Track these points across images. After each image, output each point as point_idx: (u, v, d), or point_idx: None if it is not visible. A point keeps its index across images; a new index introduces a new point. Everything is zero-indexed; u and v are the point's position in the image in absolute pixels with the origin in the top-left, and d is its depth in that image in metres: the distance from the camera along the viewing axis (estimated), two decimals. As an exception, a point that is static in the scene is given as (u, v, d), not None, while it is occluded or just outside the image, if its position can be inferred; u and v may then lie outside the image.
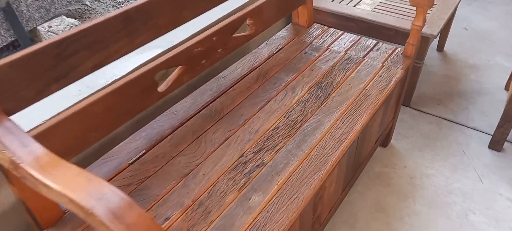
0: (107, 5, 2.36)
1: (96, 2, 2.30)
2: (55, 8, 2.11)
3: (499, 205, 1.42)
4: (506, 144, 1.65)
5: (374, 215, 1.39)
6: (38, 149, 0.66)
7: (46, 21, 2.07)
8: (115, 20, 0.86)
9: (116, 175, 0.94)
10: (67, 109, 0.82)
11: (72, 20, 2.15)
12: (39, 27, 2.05)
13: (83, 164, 0.99)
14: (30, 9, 1.99)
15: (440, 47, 2.23)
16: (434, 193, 1.47)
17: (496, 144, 1.61)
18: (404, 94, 1.51)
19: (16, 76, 0.72)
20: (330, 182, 1.06)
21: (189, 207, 0.87)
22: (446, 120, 1.80)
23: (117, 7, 2.34)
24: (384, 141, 1.64)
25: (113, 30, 0.86)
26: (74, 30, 0.80)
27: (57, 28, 2.07)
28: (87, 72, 0.82)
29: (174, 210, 0.86)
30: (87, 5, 2.35)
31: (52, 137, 0.79)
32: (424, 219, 1.37)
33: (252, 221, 0.84)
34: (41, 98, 0.76)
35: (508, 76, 1.98)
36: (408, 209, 1.42)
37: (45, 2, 2.05)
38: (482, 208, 1.41)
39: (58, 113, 0.90)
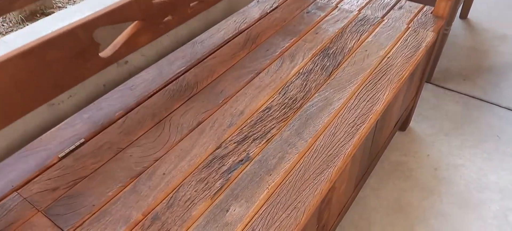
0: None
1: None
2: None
3: (546, 203, 1.16)
4: (550, 128, 1.37)
5: (391, 216, 1.12)
6: None
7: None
8: None
9: (38, 174, 0.66)
10: None
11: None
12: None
13: (2, 153, 0.71)
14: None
15: (463, 14, 1.91)
16: (465, 189, 1.20)
17: (538, 128, 1.33)
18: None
19: None
20: (340, 182, 0.79)
21: (138, 223, 0.60)
22: (475, 98, 1.51)
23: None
24: (403, 124, 1.35)
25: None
26: None
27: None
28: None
29: (115, 228, 0.59)
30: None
31: None
32: (454, 222, 1.11)
33: (230, 245, 0.57)
34: None
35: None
36: (433, 208, 1.14)
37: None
38: (526, 207, 1.14)
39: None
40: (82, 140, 0.71)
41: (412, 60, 0.90)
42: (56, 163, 0.68)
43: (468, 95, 1.52)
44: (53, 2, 1.77)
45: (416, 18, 1.05)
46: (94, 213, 0.61)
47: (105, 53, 0.73)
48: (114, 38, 0.75)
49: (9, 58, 0.60)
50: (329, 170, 0.66)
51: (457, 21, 1.92)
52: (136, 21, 0.76)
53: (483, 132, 1.37)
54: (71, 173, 0.66)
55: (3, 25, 1.75)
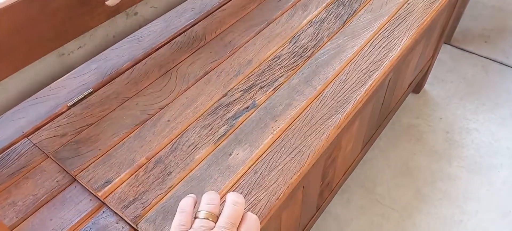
0: None
1: None
2: None
3: None
4: None
5: (398, 178, 1.05)
6: None
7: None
8: None
9: (48, 121, 0.64)
10: None
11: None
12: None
13: (13, 100, 0.69)
14: None
15: (488, -25, 1.74)
16: (476, 153, 1.10)
17: None
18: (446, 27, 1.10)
19: None
20: (349, 137, 0.72)
21: (142, 166, 0.56)
22: (496, 62, 1.38)
23: None
24: (417, 86, 1.26)
25: None
26: None
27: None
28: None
29: (120, 170, 0.56)
30: None
31: None
32: (461, 185, 1.02)
33: (232, 186, 0.53)
34: None
35: None
36: (441, 172, 1.06)
37: None
38: (549, 168, 1.04)
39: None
40: (90, 90, 0.68)
41: (436, 6, 0.80)
42: (65, 111, 0.65)
43: (488, 59, 1.39)
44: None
45: (437, -32, 0.94)
46: (99, 157, 0.58)
47: (111, 2, 0.68)
48: (120, -13, 0.70)
49: (11, 4, 0.56)
50: (337, 115, 0.59)
51: (481, -19, 1.75)
52: (141, -31, 0.70)
53: (501, 97, 1.26)
54: (79, 120, 0.63)
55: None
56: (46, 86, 0.68)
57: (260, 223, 0.48)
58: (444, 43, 1.46)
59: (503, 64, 1.40)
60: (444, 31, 1.11)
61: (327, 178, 0.76)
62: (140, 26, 0.83)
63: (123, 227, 0.50)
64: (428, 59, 1.16)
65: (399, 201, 1.01)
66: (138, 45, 0.76)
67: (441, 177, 1.07)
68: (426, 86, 1.34)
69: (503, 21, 1.59)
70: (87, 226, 0.51)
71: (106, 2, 0.68)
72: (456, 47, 1.47)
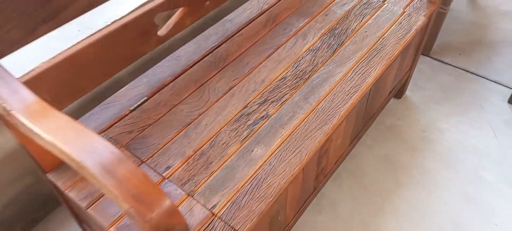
0: None
1: None
2: None
3: (513, 163, 1.38)
4: (529, 100, 1.56)
5: (382, 169, 1.37)
6: (28, 96, 0.64)
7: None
8: (108, -45, 0.78)
9: (117, 121, 0.93)
10: (59, 54, 0.78)
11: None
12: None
13: (86, 107, 0.97)
14: None
15: (469, -9, 2.04)
16: (447, 149, 1.43)
17: (518, 100, 1.53)
18: (425, 43, 1.40)
19: (2, 17, 0.68)
20: (336, 135, 1.03)
21: (191, 157, 0.86)
22: (468, 71, 1.70)
23: None
24: (399, 92, 1.57)
25: (107, -34, 0.79)
26: (63, -34, 0.73)
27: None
28: (78, 13, 0.77)
29: (175, 160, 0.85)
30: None
31: (43, 83, 0.77)
32: (433, 175, 1.35)
33: (253, 173, 0.83)
34: (30, 41, 0.72)
35: (541, 26, 1.82)
36: (417, 164, 1.39)
37: None
38: (495, 165, 1.37)
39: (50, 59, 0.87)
40: (145, 98, 0.97)
41: (403, 42, 1.10)
42: (128, 114, 0.94)
43: (462, 69, 1.71)
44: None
45: (412, 3, 1.23)
46: (159, 149, 0.87)
47: (161, 32, 0.96)
48: (165, 20, 0.98)
49: (100, 38, 0.84)
50: (326, 126, 0.89)
51: (462, -3, 2.05)
52: (182, 7, 0.98)
53: (470, 102, 1.58)
54: (140, 121, 0.92)
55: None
56: (109, 96, 0.97)
57: (272, 198, 0.78)
58: (425, 55, 1.77)
59: (473, 74, 1.72)
60: (418, 49, 1.41)
61: (321, 165, 1.06)
62: (171, 45, 1.10)
63: (180, 193, 0.80)
64: (406, 72, 1.47)
65: (382, 187, 1.32)
66: (177, 63, 1.05)
67: (417, 167, 1.39)
68: (407, 93, 1.65)
69: (477, 35, 1.90)
70: (156, 196, 0.81)
71: (158, 33, 0.96)
72: (435, 59, 1.78)
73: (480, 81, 1.66)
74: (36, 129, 0.57)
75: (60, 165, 0.84)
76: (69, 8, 0.75)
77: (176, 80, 1.01)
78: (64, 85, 0.81)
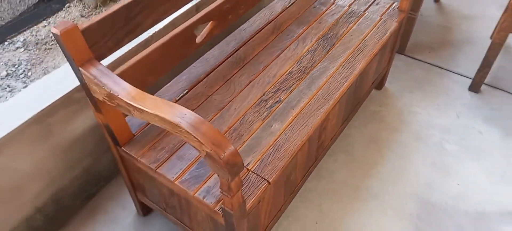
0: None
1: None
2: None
3: (471, 137, 1.75)
4: (483, 87, 1.95)
5: (368, 145, 1.73)
6: (126, 85, 0.96)
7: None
8: (165, -15, 1.11)
9: (167, 108, 1.24)
10: (136, 56, 1.11)
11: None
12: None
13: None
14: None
15: (437, -2, 2.44)
16: (419, 128, 1.80)
17: (475, 86, 1.91)
18: (399, 43, 1.77)
19: (102, 31, 0.99)
20: (332, 115, 1.37)
21: (226, 131, 1.18)
22: (435, 66, 2.08)
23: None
24: (379, 84, 1.93)
25: (164, -7, 1.11)
26: (138, -5, 1.05)
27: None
28: (148, 28, 1.09)
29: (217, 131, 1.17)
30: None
31: (127, 77, 1.08)
32: (408, 148, 1.71)
33: (274, 142, 1.16)
34: (118, 48, 1.03)
35: (494, 26, 2.22)
36: (395, 140, 1.75)
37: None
38: (457, 139, 1.74)
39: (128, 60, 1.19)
40: (186, 91, 1.29)
41: (380, 42, 1.46)
42: (175, 102, 1.26)
43: (431, 64, 2.09)
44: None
45: (387, 12, 1.59)
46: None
47: (198, 39, 1.28)
48: (200, 31, 1.31)
49: (159, 45, 1.16)
50: (325, 106, 1.24)
51: (431, 4, 2.45)
52: (212, 21, 1.31)
53: (437, 90, 1.96)
54: (187, 107, 1.24)
55: (84, 10, 2.26)
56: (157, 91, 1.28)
57: (289, 158, 1.11)
58: (400, 53, 2.14)
59: (441, 67, 2.10)
60: (394, 48, 1.77)
61: (321, 139, 1.39)
62: (197, 49, 1.43)
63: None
64: (384, 66, 1.83)
65: (368, 158, 1.68)
66: (207, 63, 1.37)
67: (395, 143, 1.75)
68: (387, 84, 2.02)
69: (443, 35, 2.29)
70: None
71: (196, 40, 1.28)
72: (409, 56, 2.16)
73: (446, 73, 2.05)
74: (142, 107, 0.89)
75: (131, 139, 1.15)
76: (142, 25, 1.07)
77: (208, 76, 1.34)
78: (138, 78, 1.12)
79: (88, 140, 1.37)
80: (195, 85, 1.31)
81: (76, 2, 2.30)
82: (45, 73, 1.93)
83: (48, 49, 2.07)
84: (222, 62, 1.38)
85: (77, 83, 1.21)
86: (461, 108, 1.87)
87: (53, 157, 1.28)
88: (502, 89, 1.94)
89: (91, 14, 2.22)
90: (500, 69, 2.04)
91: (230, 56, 1.41)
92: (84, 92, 1.18)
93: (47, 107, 1.19)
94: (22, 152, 1.18)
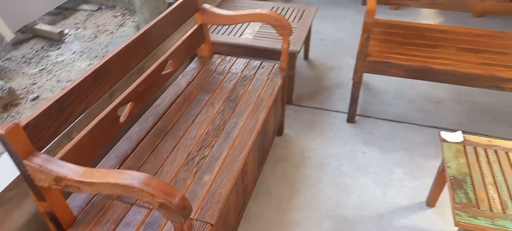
0: (18, 62, 2.54)
1: (7, 61, 2.46)
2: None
3: (359, 158, 2.25)
4: (357, 117, 2.53)
5: (282, 183, 2.06)
6: (72, 166, 1.09)
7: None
8: (88, 78, 1.31)
9: (101, 187, 1.36)
10: (78, 137, 1.25)
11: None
12: None
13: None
14: None
15: (305, 57, 3.10)
16: (318, 159, 2.22)
17: (351, 118, 2.47)
18: (286, 95, 2.23)
19: (38, 126, 1.12)
20: (249, 160, 1.67)
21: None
22: (318, 108, 2.62)
23: (29, 63, 2.54)
24: (279, 131, 2.34)
25: (88, 85, 1.31)
26: (66, 89, 1.22)
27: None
28: (78, 116, 1.25)
29: (154, 197, 1.34)
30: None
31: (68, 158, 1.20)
32: (314, 178, 2.10)
33: (207, 190, 1.38)
34: (55, 138, 1.17)
35: (353, 71, 2.93)
36: (302, 173, 2.13)
37: None
38: (348, 162, 2.21)
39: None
40: (118, 166, 1.43)
41: (272, 96, 1.86)
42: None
43: (314, 108, 2.62)
44: (17, 95, 2.26)
45: (272, 72, 2.04)
46: (140, 194, 1.34)
47: (121, 119, 1.47)
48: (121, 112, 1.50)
49: (87, 132, 1.31)
50: (242, 153, 1.53)
51: (302, 61, 3.09)
52: (131, 101, 1.52)
53: (324, 127, 2.46)
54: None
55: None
56: (91, 171, 1.40)
57: (224, 201, 1.35)
58: (289, 104, 2.64)
59: (322, 109, 2.65)
60: (284, 99, 2.22)
61: (245, 182, 1.65)
62: (121, 130, 1.61)
63: (165, 217, 1.29)
64: (279, 115, 2.25)
65: (285, 195, 1.99)
66: (131, 139, 1.55)
67: (302, 176, 2.12)
68: (285, 130, 2.44)
69: (318, 84, 2.91)
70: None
71: (120, 119, 1.46)
72: (296, 105, 2.67)
73: (327, 113, 2.59)
74: (92, 180, 1.04)
75: (73, 222, 1.23)
76: (72, 115, 1.23)
77: (135, 150, 1.51)
78: (75, 162, 1.24)
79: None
80: (125, 160, 1.47)
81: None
82: None
83: None
84: (144, 136, 1.58)
85: (7, 183, 1.25)
86: (345, 137, 2.39)
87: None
88: (370, 116, 2.55)
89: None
90: (365, 101, 2.68)
91: (151, 129, 1.62)
92: (15, 191, 1.25)
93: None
94: None
